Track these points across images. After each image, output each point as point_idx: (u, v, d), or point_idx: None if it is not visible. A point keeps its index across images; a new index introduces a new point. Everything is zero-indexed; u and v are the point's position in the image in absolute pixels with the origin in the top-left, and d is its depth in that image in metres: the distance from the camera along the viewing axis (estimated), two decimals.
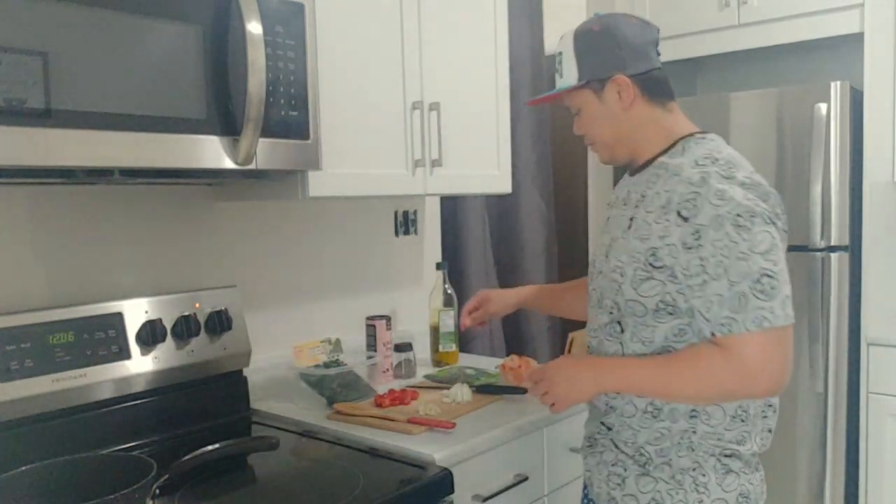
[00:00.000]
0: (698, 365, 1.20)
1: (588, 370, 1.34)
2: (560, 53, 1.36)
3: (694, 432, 1.25)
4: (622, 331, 1.29)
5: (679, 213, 1.20)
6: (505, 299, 1.82)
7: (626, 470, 1.30)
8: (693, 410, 1.25)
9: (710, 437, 1.24)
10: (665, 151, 1.32)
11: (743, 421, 1.25)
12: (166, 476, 1.18)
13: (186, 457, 1.25)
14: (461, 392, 1.73)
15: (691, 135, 1.33)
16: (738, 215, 1.15)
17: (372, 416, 1.61)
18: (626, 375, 1.28)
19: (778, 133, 2.58)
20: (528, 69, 2.91)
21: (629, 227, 1.28)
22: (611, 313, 1.31)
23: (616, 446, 1.32)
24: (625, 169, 1.45)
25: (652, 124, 1.34)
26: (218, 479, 1.36)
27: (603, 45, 1.32)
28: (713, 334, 1.18)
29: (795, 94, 2.53)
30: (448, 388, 1.79)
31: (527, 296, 1.81)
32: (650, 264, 1.22)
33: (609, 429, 1.33)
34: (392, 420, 1.58)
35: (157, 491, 1.16)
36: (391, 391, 1.74)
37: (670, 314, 1.23)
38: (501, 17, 2.09)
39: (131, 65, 1.20)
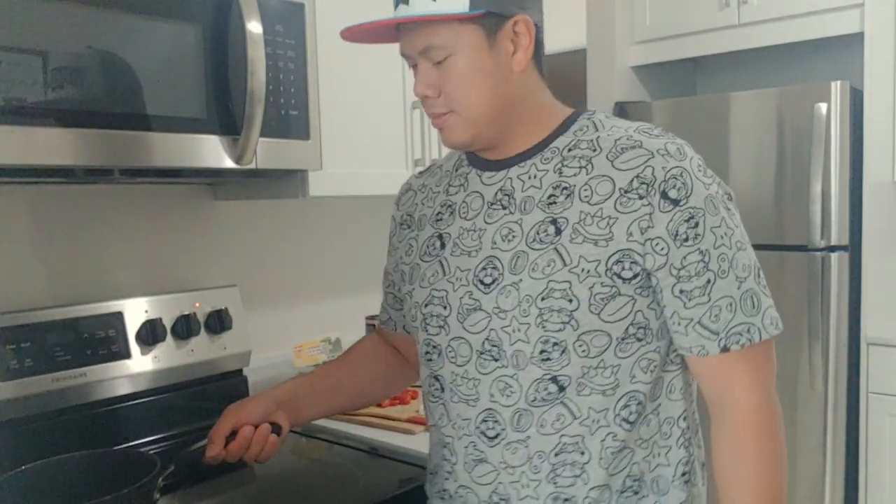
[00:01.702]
0: (763, 430, 0.93)
1: None
2: None
3: None
4: (560, 389, 0.92)
5: (665, 195, 0.89)
6: (249, 411, 1.12)
7: None
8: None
9: None
10: (559, 131, 0.98)
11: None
12: (172, 468, 1.18)
13: (191, 448, 1.25)
14: None
15: (585, 111, 1.02)
16: (726, 194, 0.94)
17: (372, 416, 1.61)
18: None
19: (778, 133, 2.58)
20: None
21: (556, 231, 0.92)
22: (540, 364, 0.92)
23: None
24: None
25: (539, 96, 0.99)
26: (218, 479, 1.36)
27: None
28: (725, 349, 0.91)
29: (795, 93, 2.54)
30: None
31: (280, 398, 1.16)
32: (616, 275, 0.90)
33: None
34: (392, 419, 1.58)
35: (159, 490, 1.16)
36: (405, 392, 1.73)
37: (639, 340, 0.93)
38: None
39: (131, 64, 1.20)
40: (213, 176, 1.62)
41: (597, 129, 0.97)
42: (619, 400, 0.93)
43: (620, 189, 0.90)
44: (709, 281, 0.90)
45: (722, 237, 0.90)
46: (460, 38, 0.92)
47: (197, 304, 1.65)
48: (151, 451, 1.28)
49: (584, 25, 3.07)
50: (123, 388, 1.52)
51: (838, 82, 2.46)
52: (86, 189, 1.58)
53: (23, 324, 1.39)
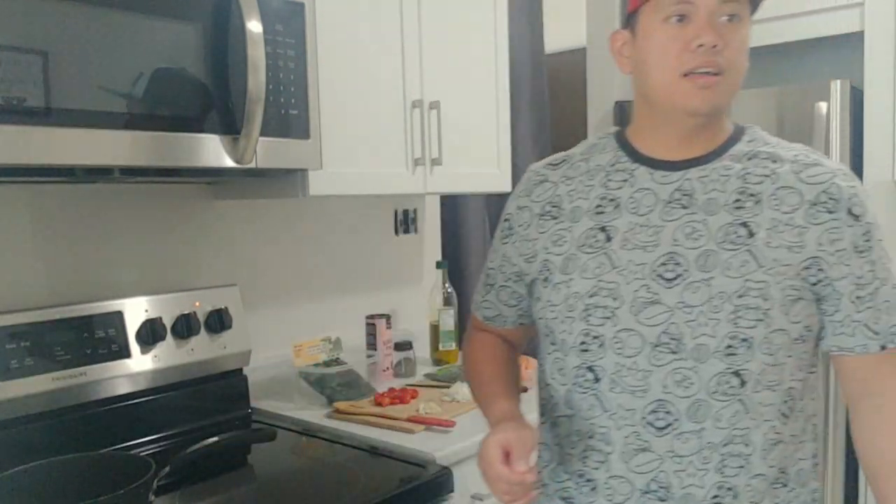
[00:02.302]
0: None
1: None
2: None
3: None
4: (743, 383, 0.98)
5: (850, 211, 0.99)
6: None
7: None
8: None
9: None
10: (733, 139, 1.06)
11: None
12: (167, 469, 1.18)
13: (188, 450, 1.25)
14: (461, 390, 1.73)
15: (743, 124, 1.11)
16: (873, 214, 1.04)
17: (372, 415, 1.61)
18: None
19: (778, 132, 2.58)
20: (528, 69, 2.91)
21: (748, 234, 0.98)
22: (723, 359, 0.97)
23: None
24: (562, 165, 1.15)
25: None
26: (218, 478, 1.36)
27: None
28: (882, 347, 1.01)
29: (795, 92, 2.53)
30: (448, 387, 1.79)
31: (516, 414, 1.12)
32: (805, 280, 0.98)
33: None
34: (392, 419, 1.58)
35: (158, 488, 1.16)
36: (391, 390, 1.74)
37: (804, 342, 1.01)
38: (501, 17, 2.09)
39: (132, 63, 1.21)
40: (214, 175, 1.62)
41: (767, 143, 1.06)
42: (781, 395, 1.01)
43: (808, 201, 0.99)
44: (876, 288, 1.00)
45: (881, 249, 1.02)
46: (744, 8, 0.98)
47: (197, 304, 1.65)
48: (152, 451, 1.28)
49: (584, 25, 3.07)
50: (123, 388, 1.52)
51: (838, 81, 2.46)
52: (86, 189, 1.58)
53: (23, 322, 1.39)
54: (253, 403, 1.78)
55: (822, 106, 2.45)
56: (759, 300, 0.97)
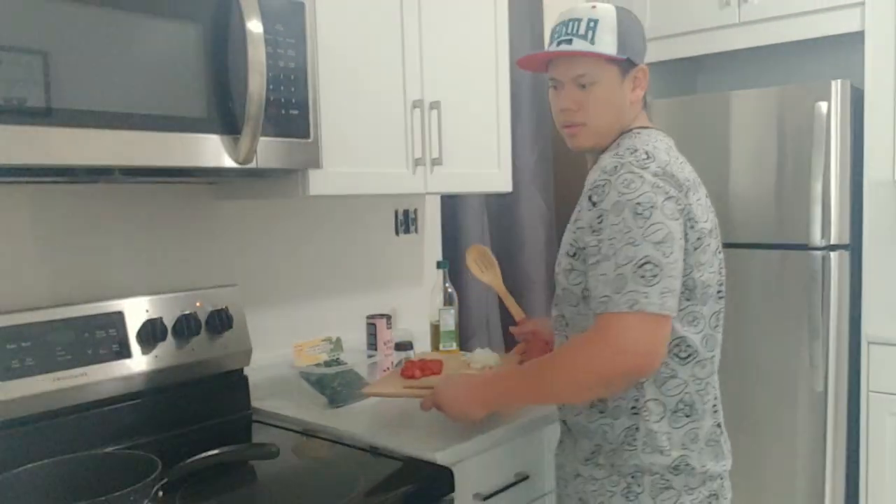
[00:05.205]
0: (567, 352, 1.26)
1: (472, 390, 1.38)
2: (595, 20, 1.30)
3: (637, 429, 1.28)
4: (566, 324, 1.34)
5: (590, 198, 1.25)
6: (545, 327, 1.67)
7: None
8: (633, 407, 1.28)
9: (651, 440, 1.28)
10: (609, 147, 1.35)
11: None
12: (165, 480, 1.18)
13: (186, 461, 1.25)
14: (485, 356, 1.72)
15: (631, 130, 1.35)
16: (638, 203, 1.19)
17: (413, 387, 1.59)
18: (506, 389, 1.35)
19: (778, 132, 2.57)
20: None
21: (574, 220, 1.32)
22: (556, 305, 1.37)
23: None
24: (575, 162, 1.51)
25: (628, 119, 1.37)
26: (218, 479, 1.36)
27: (638, 32, 1.35)
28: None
29: (796, 92, 2.53)
30: (466, 355, 1.80)
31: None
32: (573, 254, 1.29)
33: (568, 429, 1.39)
34: (423, 388, 1.55)
35: (160, 491, 1.16)
36: (413, 362, 1.72)
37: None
38: (501, 17, 2.09)
39: (131, 63, 1.20)
40: (214, 175, 1.62)
41: (615, 147, 1.31)
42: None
43: (583, 193, 1.28)
44: (597, 261, 1.22)
45: (616, 232, 1.19)
46: (603, 73, 1.31)
47: (198, 304, 1.65)
48: (152, 451, 1.28)
49: None
50: (124, 388, 1.52)
51: (839, 81, 2.46)
52: (86, 188, 1.58)
53: (23, 322, 1.39)
54: (253, 403, 1.77)
55: (823, 106, 2.45)
56: (557, 268, 1.34)
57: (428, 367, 1.69)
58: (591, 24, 1.30)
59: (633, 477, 1.27)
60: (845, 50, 2.81)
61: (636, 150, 1.27)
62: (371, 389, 1.66)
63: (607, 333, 1.18)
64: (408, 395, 1.58)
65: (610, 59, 1.30)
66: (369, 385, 1.69)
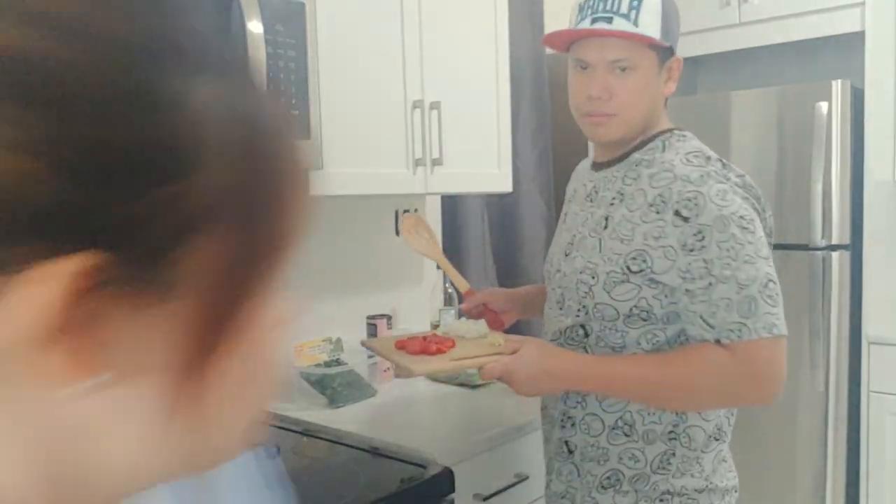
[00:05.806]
0: (706, 376, 1.13)
1: (555, 381, 1.20)
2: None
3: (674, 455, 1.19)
4: (586, 335, 1.21)
5: (678, 213, 1.11)
6: (506, 297, 1.52)
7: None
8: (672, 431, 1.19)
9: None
10: (639, 147, 1.22)
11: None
12: None
13: None
14: (475, 327, 1.45)
15: (670, 131, 1.24)
16: (742, 217, 1.10)
17: (455, 360, 1.33)
18: (604, 387, 1.18)
19: (779, 132, 2.57)
20: (529, 69, 2.91)
21: (604, 226, 1.19)
22: (577, 316, 1.21)
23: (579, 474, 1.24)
24: (576, 162, 1.42)
25: (658, 115, 1.24)
26: None
27: (677, 18, 1.21)
28: (718, 340, 1.12)
29: (796, 92, 2.53)
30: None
31: (517, 296, 1.54)
32: (627, 268, 1.14)
33: (571, 451, 1.25)
34: (470, 357, 1.32)
35: None
36: (433, 336, 1.45)
37: (644, 320, 1.16)
38: (502, 17, 2.09)
39: None
40: None
41: (661, 150, 1.20)
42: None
43: (646, 203, 1.15)
44: (710, 284, 1.10)
45: (728, 251, 1.09)
46: (643, 58, 1.16)
47: None
48: None
49: None
50: None
51: (839, 81, 2.46)
52: None
53: None
54: None
55: (823, 106, 2.45)
56: (587, 277, 1.18)
57: (440, 342, 1.40)
58: (635, 2, 1.13)
59: (661, 501, 1.20)
60: (845, 50, 2.81)
61: (709, 158, 1.16)
62: (419, 367, 1.34)
63: (754, 364, 1.11)
64: (462, 368, 1.37)
65: (651, 45, 1.16)
66: (410, 364, 1.34)
